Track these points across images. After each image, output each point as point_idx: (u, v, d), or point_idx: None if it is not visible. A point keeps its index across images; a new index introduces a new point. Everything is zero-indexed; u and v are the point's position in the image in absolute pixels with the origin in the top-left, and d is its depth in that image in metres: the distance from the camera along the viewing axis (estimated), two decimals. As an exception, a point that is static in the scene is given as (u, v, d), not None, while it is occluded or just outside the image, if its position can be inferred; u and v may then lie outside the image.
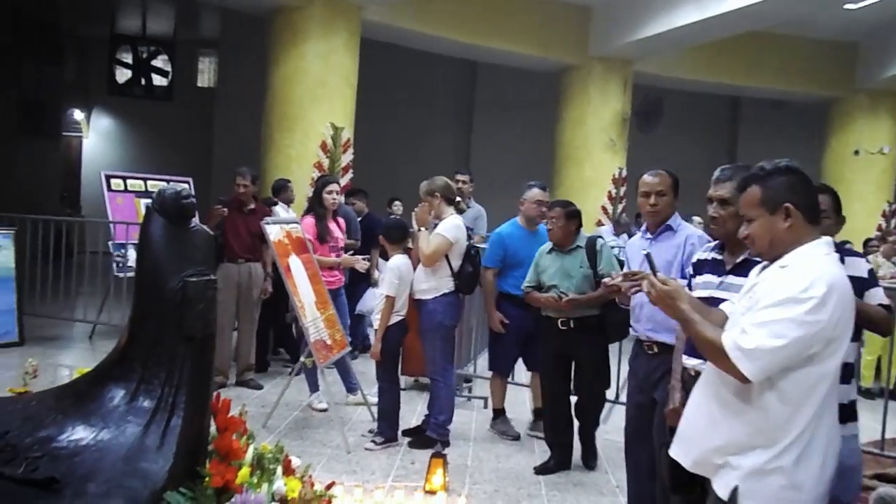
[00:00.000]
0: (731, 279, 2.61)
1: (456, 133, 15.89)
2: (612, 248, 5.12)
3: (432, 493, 3.86)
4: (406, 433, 4.79)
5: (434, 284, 4.61)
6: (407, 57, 12.84)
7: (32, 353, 5.65)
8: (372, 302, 5.88)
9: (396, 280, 4.54)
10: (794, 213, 1.99)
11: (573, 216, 4.41)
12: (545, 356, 4.49)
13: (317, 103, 9.93)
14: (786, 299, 1.88)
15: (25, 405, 2.93)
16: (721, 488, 1.99)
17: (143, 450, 2.73)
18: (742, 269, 2.55)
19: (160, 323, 2.96)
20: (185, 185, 3.15)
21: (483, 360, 6.50)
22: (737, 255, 2.66)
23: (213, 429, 3.07)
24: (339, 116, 10.16)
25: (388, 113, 14.37)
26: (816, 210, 2.07)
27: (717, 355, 1.95)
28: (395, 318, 4.58)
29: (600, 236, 4.72)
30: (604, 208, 12.38)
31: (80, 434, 2.76)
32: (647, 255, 2.27)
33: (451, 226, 4.63)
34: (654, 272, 2.13)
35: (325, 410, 5.23)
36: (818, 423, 1.93)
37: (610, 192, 12.49)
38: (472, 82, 15.74)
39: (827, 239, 2.05)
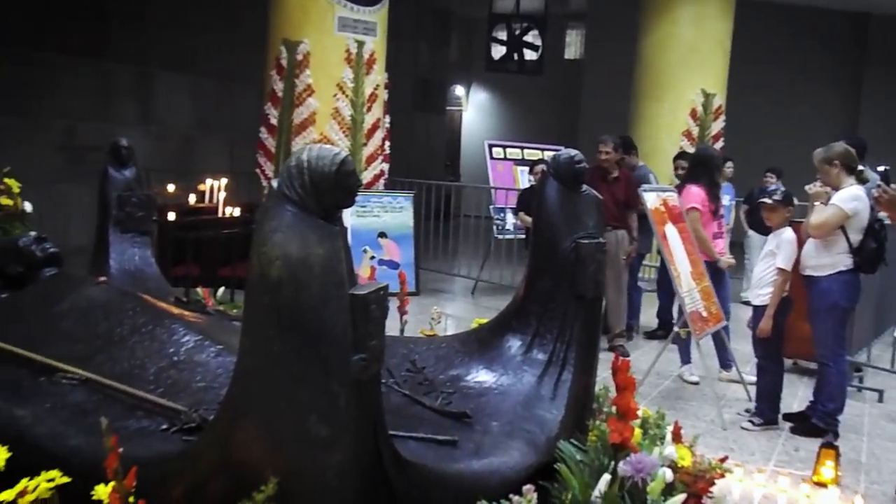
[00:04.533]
0: None
1: (840, 96, 14.22)
2: None
3: (822, 485, 3.55)
4: (787, 417, 4.46)
5: (829, 261, 4.19)
6: (784, 14, 11.78)
7: (426, 302, 6.34)
8: None
9: (793, 254, 4.23)
10: None
11: None
12: None
13: (688, 70, 9.62)
14: None
15: (437, 346, 3.30)
16: None
17: (538, 398, 2.91)
18: None
19: (554, 281, 3.11)
20: (577, 152, 3.21)
21: (877, 349, 5.80)
22: None
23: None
24: (711, 83, 9.73)
25: (762, 76, 13.34)
26: None
27: None
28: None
29: None
30: None
31: (484, 377, 3.04)
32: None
33: (849, 196, 4.16)
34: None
35: (696, 383, 5.11)
36: None
37: None
38: (863, 38, 13.91)
39: None
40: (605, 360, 3.24)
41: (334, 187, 2.01)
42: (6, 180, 4.64)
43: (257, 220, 2.02)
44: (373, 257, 7.21)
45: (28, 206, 4.75)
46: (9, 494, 1.87)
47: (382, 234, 7.41)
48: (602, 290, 3.21)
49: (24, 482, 1.89)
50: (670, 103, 9.61)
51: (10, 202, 4.57)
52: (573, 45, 17.98)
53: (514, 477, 2.47)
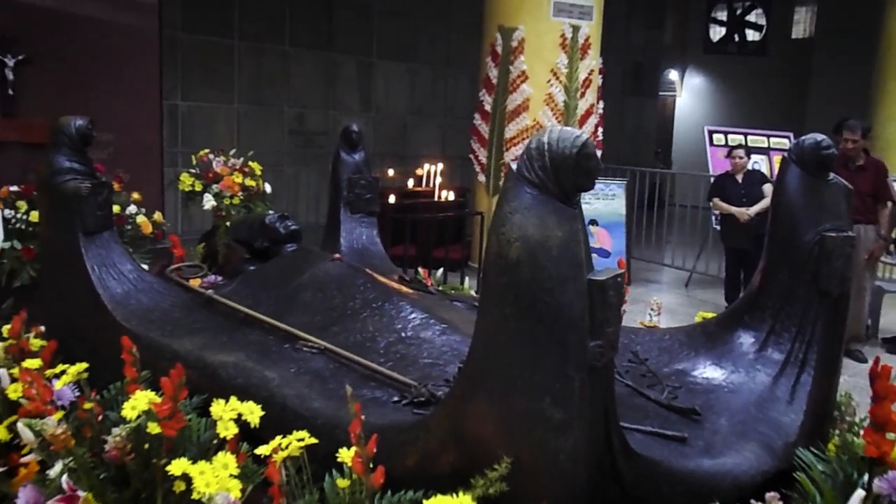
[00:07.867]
0: None
1: None
2: None
3: None
4: None
5: None
6: None
7: (637, 292, 6.16)
8: None
9: None
10: None
11: None
12: None
13: (945, 44, 8.58)
14: None
15: (660, 338, 3.18)
16: None
17: (773, 400, 2.71)
18: None
19: (793, 275, 2.88)
20: (824, 136, 2.95)
21: None
22: None
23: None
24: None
25: None
26: None
27: None
28: None
29: None
30: None
31: (712, 373, 2.88)
32: None
33: None
34: None
35: (950, 398, 4.55)
36: None
37: None
38: None
39: None
40: (843, 365, 2.95)
41: (574, 169, 1.98)
42: (250, 163, 5.08)
43: (497, 201, 2.03)
44: (583, 244, 7.11)
45: (268, 187, 5.17)
46: (266, 449, 2.03)
47: (593, 222, 7.29)
48: (849, 288, 2.93)
49: (277, 439, 2.04)
50: (920, 83, 8.65)
51: (253, 183, 4.99)
52: (801, 23, 16.65)
53: (749, 481, 2.32)
